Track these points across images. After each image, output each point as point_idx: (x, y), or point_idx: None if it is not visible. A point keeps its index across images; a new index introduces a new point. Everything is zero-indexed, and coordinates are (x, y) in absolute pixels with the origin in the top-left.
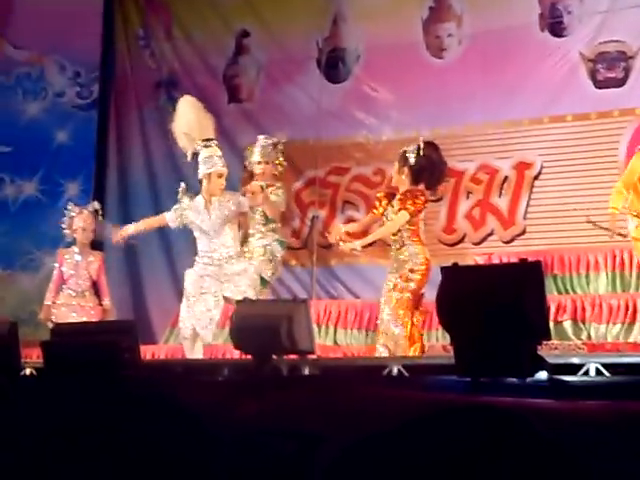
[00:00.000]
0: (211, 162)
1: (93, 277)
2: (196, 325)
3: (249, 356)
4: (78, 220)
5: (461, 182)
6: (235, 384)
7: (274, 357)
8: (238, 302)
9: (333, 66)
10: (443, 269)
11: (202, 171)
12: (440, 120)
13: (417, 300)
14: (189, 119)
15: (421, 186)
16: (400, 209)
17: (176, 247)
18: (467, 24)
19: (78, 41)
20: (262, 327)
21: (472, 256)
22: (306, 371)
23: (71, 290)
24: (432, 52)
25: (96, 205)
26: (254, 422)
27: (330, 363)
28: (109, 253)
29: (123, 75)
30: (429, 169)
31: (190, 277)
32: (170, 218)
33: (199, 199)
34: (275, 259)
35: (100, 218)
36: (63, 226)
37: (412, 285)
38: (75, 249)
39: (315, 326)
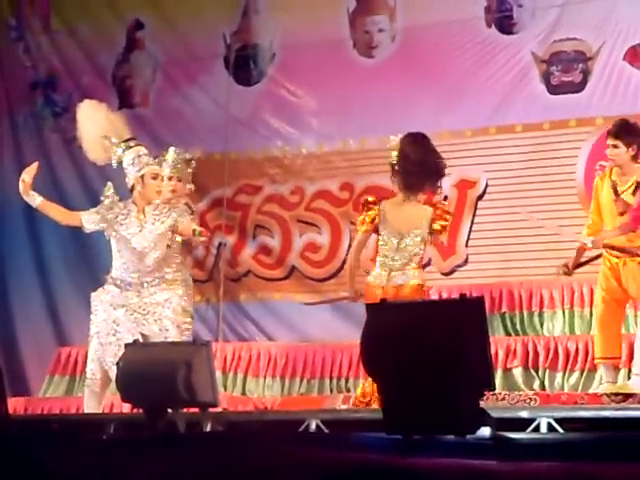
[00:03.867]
0: (141, 163)
1: None
2: (108, 370)
3: (140, 409)
4: None
5: None
6: (122, 443)
7: (169, 411)
8: (127, 345)
9: (243, 66)
10: (368, 306)
11: (132, 175)
12: (369, 130)
13: None
14: (99, 122)
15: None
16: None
17: (55, 276)
18: (401, 17)
19: None
20: (155, 375)
21: None
22: (208, 427)
23: None
24: (360, 50)
25: None
26: None
27: (237, 418)
28: None
29: None
30: (406, 168)
31: (99, 307)
32: (89, 219)
33: (130, 207)
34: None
35: None
36: None
37: None
38: None
39: (220, 373)
